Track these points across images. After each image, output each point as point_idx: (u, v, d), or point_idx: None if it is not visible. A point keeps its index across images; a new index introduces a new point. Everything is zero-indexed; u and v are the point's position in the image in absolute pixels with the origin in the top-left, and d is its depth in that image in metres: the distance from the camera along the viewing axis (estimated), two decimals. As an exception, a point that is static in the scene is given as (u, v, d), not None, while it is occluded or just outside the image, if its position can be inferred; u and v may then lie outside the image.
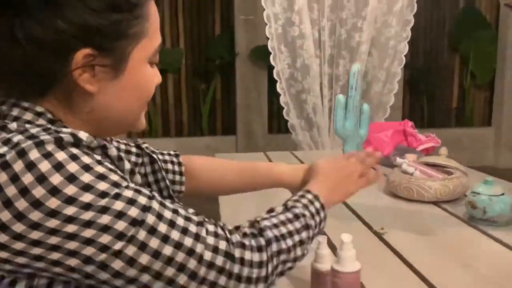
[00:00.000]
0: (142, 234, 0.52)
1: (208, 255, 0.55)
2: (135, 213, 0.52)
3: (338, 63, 2.19)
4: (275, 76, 2.17)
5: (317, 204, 0.68)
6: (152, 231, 0.53)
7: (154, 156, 0.84)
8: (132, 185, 0.54)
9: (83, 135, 0.53)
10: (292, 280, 0.80)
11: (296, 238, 0.63)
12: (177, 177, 0.88)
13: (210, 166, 0.93)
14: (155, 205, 0.54)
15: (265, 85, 3.66)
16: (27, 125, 0.54)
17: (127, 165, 0.59)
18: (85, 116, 0.59)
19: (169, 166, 0.87)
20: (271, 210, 0.66)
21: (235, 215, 1.08)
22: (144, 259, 0.52)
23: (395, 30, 2.16)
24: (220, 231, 0.58)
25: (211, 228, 0.58)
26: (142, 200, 0.53)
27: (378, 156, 0.86)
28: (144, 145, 0.85)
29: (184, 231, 0.55)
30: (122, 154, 0.79)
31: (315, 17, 2.14)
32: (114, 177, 0.53)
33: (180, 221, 0.55)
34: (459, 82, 4.21)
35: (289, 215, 0.64)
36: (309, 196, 0.69)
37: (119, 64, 0.58)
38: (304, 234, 0.64)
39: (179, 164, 0.89)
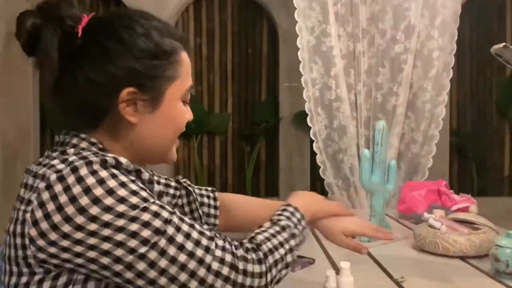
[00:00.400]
0: (162, 242, 0.62)
1: (215, 265, 0.65)
2: (159, 224, 0.63)
3: (374, 125, 2.25)
4: (311, 136, 2.26)
5: (298, 215, 0.79)
6: (171, 240, 0.63)
7: (190, 188, 0.98)
8: (158, 202, 0.66)
9: (123, 159, 0.67)
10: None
11: (287, 246, 0.72)
12: (212, 211, 0.99)
13: (242, 202, 1.04)
14: (175, 219, 0.65)
15: (308, 149, 3.74)
16: (81, 151, 0.69)
17: (157, 188, 0.72)
18: (126, 144, 0.73)
19: (205, 200, 0.99)
20: (260, 226, 0.76)
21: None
22: (162, 263, 0.62)
23: (431, 95, 2.22)
24: (227, 245, 0.68)
25: (220, 242, 0.67)
26: (165, 214, 0.64)
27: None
28: (182, 180, 0.98)
29: (197, 243, 0.65)
30: (155, 178, 0.92)
31: (352, 81, 2.24)
32: (144, 194, 0.65)
33: (194, 234, 0.65)
34: (510, 149, 4.09)
35: (277, 228, 0.74)
36: (290, 209, 0.80)
37: (156, 100, 0.72)
38: (292, 242, 0.73)
39: (215, 199, 1.01)
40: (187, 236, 0.64)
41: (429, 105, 2.23)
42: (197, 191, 0.99)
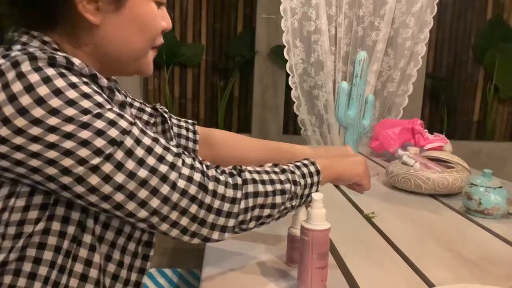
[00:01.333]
0: (119, 155, 0.55)
1: (181, 183, 0.58)
2: (115, 134, 0.55)
3: (352, 61, 2.18)
4: (287, 69, 2.17)
5: (312, 168, 0.69)
6: (129, 153, 0.56)
7: (166, 115, 0.88)
8: (116, 109, 0.57)
9: (76, 60, 0.57)
10: (269, 247, 0.79)
11: (278, 186, 0.64)
12: (190, 144, 0.90)
13: (232, 139, 0.95)
14: (135, 130, 0.57)
15: (283, 85, 3.66)
16: (28, 48, 0.58)
17: (118, 97, 0.62)
18: (88, 50, 0.63)
19: (183, 131, 0.90)
20: (260, 165, 0.67)
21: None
22: (119, 178, 0.55)
23: (413, 31, 2.14)
24: (197, 164, 0.61)
25: (188, 160, 0.60)
26: (123, 124, 0.56)
27: None
28: (159, 107, 0.88)
29: (160, 158, 0.58)
30: (128, 100, 0.83)
31: (333, 13, 2.13)
32: (98, 99, 0.56)
33: (158, 149, 0.58)
34: (482, 95, 4.13)
35: (276, 169, 0.66)
36: (305, 161, 0.70)
37: None
38: (287, 186, 0.65)
39: (194, 132, 0.91)
40: (149, 150, 0.57)
41: (410, 42, 2.16)
42: (174, 121, 0.90)
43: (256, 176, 0.63)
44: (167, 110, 0.89)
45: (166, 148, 0.59)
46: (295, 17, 2.12)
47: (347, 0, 2.11)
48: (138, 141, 0.57)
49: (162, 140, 0.60)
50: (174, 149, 0.60)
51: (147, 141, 0.58)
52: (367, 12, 2.12)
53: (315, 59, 2.16)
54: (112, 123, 0.56)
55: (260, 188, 0.62)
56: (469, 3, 3.83)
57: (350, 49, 2.19)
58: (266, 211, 0.63)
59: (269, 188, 0.63)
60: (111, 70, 0.67)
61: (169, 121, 0.87)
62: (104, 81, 0.61)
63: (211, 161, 0.91)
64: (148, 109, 0.86)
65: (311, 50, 2.16)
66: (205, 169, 0.61)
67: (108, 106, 0.57)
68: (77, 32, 0.62)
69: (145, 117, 0.85)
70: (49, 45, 0.61)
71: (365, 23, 2.15)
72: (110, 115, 0.56)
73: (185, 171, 0.59)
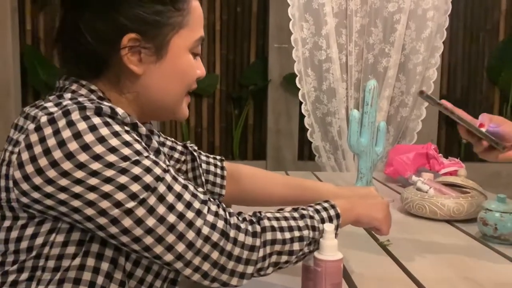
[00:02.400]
0: (152, 200, 0.59)
1: (205, 230, 0.61)
2: (149, 180, 0.59)
3: (365, 86, 2.20)
4: (300, 97, 2.21)
5: (332, 212, 0.71)
6: (161, 198, 0.59)
7: (195, 154, 0.92)
8: (152, 157, 0.62)
9: (120, 110, 0.63)
10: (284, 276, 0.80)
11: (296, 233, 0.66)
12: (218, 180, 0.94)
13: (257, 175, 0.98)
14: (168, 177, 0.61)
15: (297, 112, 3.69)
16: (78, 97, 0.65)
17: (154, 144, 0.67)
18: (131, 97, 0.69)
19: (211, 168, 0.94)
20: (280, 209, 0.70)
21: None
22: (150, 222, 0.59)
23: (423, 57, 2.16)
24: (221, 211, 0.64)
25: (213, 207, 0.63)
26: (158, 170, 0.60)
27: None
28: (189, 145, 0.93)
29: (188, 205, 0.61)
30: (161, 140, 0.88)
31: (343, 42, 2.17)
32: (137, 147, 0.61)
33: (186, 196, 0.62)
34: (499, 115, 4.08)
35: (295, 214, 0.68)
36: (325, 204, 0.72)
37: (160, 48, 0.68)
38: (305, 232, 0.67)
39: (222, 168, 0.95)
40: (179, 196, 0.61)
41: (421, 68, 2.18)
42: (203, 157, 0.94)
43: (275, 223, 0.65)
44: (196, 148, 0.94)
45: (194, 195, 0.63)
46: (306, 46, 2.17)
47: (357, 28, 2.16)
48: (170, 188, 0.61)
49: (191, 187, 0.64)
50: (201, 196, 0.64)
51: (177, 187, 0.61)
52: (377, 39, 2.16)
53: (327, 86, 2.19)
54: (148, 170, 0.60)
55: (278, 235, 0.64)
56: (481, 25, 3.84)
57: (362, 76, 2.21)
58: (284, 258, 0.65)
59: (287, 235, 0.65)
60: (150, 115, 0.73)
61: (198, 159, 0.91)
62: (143, 130, 0.66)
63: (237, 195, 0.95)
64: (179, 147, 0.91)
65: (323, 78, 2.19)
66: (227, 216, 0.64)
67: (146, 154, 0.61)
68: (121, 81, 0.68)
69: (176, 155, 0.90)
70: (95, 93, 0.67)
71: (375, 50, 2.19)
72: (147, 162, 0.60)
73: (210, 218, 0.62)
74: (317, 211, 0.69)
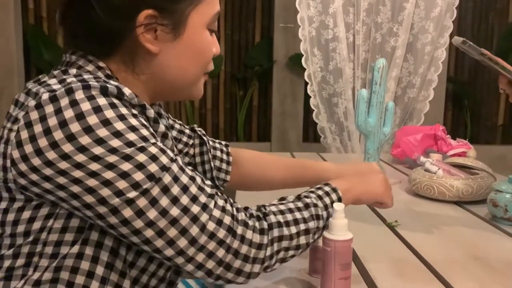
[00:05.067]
0: (155, 190, 0.55)
1: (211, 226, 0.58)
2: (154, 169, 0.55)
3: (372, 67, 2.16)
4: (306, 78, 2.17)
5: (334, 196, 0.68)
6: (165, 190, 0.56)
7: (204, 138, 0.90)
8: (159, 144, 0.58)
9: (127, 90, 0.59)
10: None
11: (302, 226, 0.63)
12: (224, 165, 0.91)
13: (258, 158, 0.96)
14: (174, 167, 0.57)
15: (302, 93, 3.66)
16: (84, 73, 0.60)
17: (162, 128, 0.63)
18: (144, 77, 0.65)
19: (218, 153, 0.92)
20: (282, 198, 0.67)
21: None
22: (152, 214, 0.55)
23: (432, 36, 2.11)
24: (228, 207, 0.61)
25: (220, 202, 0.60)
26: (164, 159, 0.57)
27: None
28: (198, 129, 0.92)
29: (194, 198, 0.58)
30: (170, 122, 0.86)
31: (350, 21, 2.12)
32: (144, 132, 0.57)
33: (193, 189, 0.58)
34: (506, 98, 4.03)
35: (299, 204, 0.65)
36: (326, 188, 0.70)
37: (178, 25, 0.63)
38: (311, 224, 0.64)
39: (228, 154, 0.93)
40: (184, 189, 0.57)
41: (430, 48, 2.13)
42: (211, 143, 0.92)
43: (281, 218, 0.62)
44: (205, 133, 0.91)
45: (201, 188, 0.59)
46: (312, 25, 2.13)
47: (364, 7, 2.11)
48: (175, 179, 0.57)
49: (199, 179, 0.60)
50: (208, 190, 0.60)
51: (184, 179, 0.58)
52: (385, 18, 2.11)
53: (334, 66, 2.15)
54: (154, 158, 0.56)
55: (285, 231, 0.62)
56: (490, 6, 3.76)
57: (369, 56, 2.17)
58: (290, 252, 0.63)
59: (294, 229, 0.63)
60: (164, 96, 0.69)
61: (207, 144, 0.89)
62: (151, 112, 0.62)
63: (238, 180, 0.92)
64: (187, 131, 0.89)
65: (329, 58, 2.15)
66: (235, 212, 0.61)
67: (153, 140, 0.57)
68: (135, 60, 0.63)
69: (184, 138, 0.88)
70: (103, 71, 0.62)
71: (383, 30, 2.14)
72: (153, 150, 0.56)
73: (216, 213, 0.59)
74: (320, 198, 0.67)
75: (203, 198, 0.58)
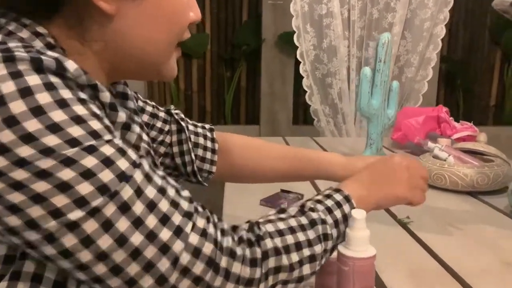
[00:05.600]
0: (109, 209, 0.40)
1: (185, 258, 0.43)
2: (108, 178, 0.40)
3: (367, 45, 2.04)
4: (298, 57, 2.04)
5: (347, 208, 0.54)
6: (124, 208, 0.40)
7: (183, 124, 0.73)
8: (117, 142, 0.42)
9: (71, 65, 0.42)
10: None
11: (306, 251, 0.49)
12: (208, 155, 0.75)
13: (249, 145, 0.80)
14: (138, 175, 0.42)
15: (292, 73, 3.53)
16: (9, 41, 0.43)
17: (121, 117, 0.47)
18: (97, 47, 0.48)
19: (201, 140, 0.75)
20: (281, 211, 0.52)
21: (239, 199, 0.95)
22: (104, 242, 0.40)
23: (432, 12, 1.99)
24: (211, 229, 0.45)
25: (200, 223, 0.45)
26: (123, 164, 0.41)
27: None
28: (174, 111, 0.73)
29: (164, 219, 0.42)
30: (139, 104, 0.68)
31: (345, -5, 1.99)
32: (95, 125, 0.41)
33: (163, 205, 0.42)
34: (499, 78, 3.96)
35: (303, 220, 0.50)
36: (338, 196, 0.54)
37: None
38: (318, 248, 0.50)
39: (212, 140, 0.76)
40: (151, 205, 0.42)
41: (429, 24, 2.01)
42: (191, 127, 0.75)
43: (279, 242, 0.48)
44: (183, 116, 0.75)
45: (174, 204, 0.44)
46: (305, 0, 1.98)
47: (360, -20, 1.97)
48: (139, 192, 0.42)
49: (171, 191, 0.45)
50: (185, 205, 0.45)
51: (150, 192, 0.42)
52: (383, -8, 1.98)
53: (328, 44, 2.02)
54: (108, 162, 0.40)
55: (284, 260, 0.47)
56: (485, -19, 3.65)
57: (365, 33, 2.04)
58: (291, 286, 0.49)
59: (295, 257, 0.48)
60: (126, 74, 0.53)
61: (186, 131, 0.73)
62: (106, 95, 0.45)
63: (226, 171, 0.76)
64: (162, 115, 0.72)
65: (323, 35, 2.02)
66: (219, 237, 0.45)
67: (107, 137, 0.42)
68: (84, 24, 0.47)
69: (159, 124, 0.72)
70: (42, 39, 0.46)
71: (380, 5, 2.01)
72: (107, 150, 0.41)
73: (194, 239, 0.43)
74: (329, 211, 0.52)
75: (177, 219, 0.43)
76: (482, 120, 4.04)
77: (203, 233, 0.44)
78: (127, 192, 0.41)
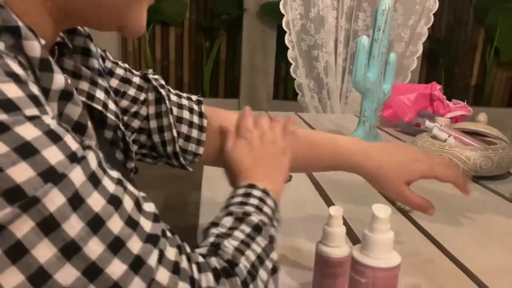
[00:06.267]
0: (23, 228, 0.26)
1: None
2: (23, 178, 0.26)
3: (357, 17, 1.92)
4: (284, 26, 1.91)
5: (270, 202, 0.46)
6: (49, 227, 0.27)
7: (163, 92, 0.57)
8: (49, 121, 0.29)
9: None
10: (290, 270, 0.57)
11: (268, 264, 0.39)
12: (194, 133, 0.59)
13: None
14: (77, 175, 0.28)
15: (274, 46, 3.40)
16: None
17: (59, 81, 0.33)
18: None
19: (185, 114, 0.59)
20: (215, 224, 0.41)
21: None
22: (11, 279, 0.26)
23: (425, -17, 1.88)
24: (184, 263, 0.33)
25: (170, 253, 0.32)
26: (53, 156, 0.28)
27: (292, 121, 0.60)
28: (152, 77, 0.57)
29: (116, 245, 0.29)
30: (108, 65, 0.53)
31: (335, -38, 1.86)
32: (12, 91, 0.28)
33: (114, 224, 0.29)
34: (481, 58, 3.93)
35: (247, 229, 0.41)
36: (256, 192, 0.46)
37: None
38: (274, 255, 0.41)
39: (200, 115, 0.60)
40: (95, 224, 0.28)
41: (422, -4, 1.91)
42: (173, 98, 0.59)
43: (247, 263, 0.37)
44: (163, 83, 0.59)
45: (132, 222, 0.31)
46: (292, -35, 1.85)
47: None
48: (76, 201, 0.28)
49: (128, 201, 0.31)
50: (148, 224, 0.32)
51: (96, 202, 0.29)
52: (375, -40, 1.86)
53: (315, 14, 1.90)
54: (26, 151, 0.27)
55: (259, 283, 0.37)
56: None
57: (355, 4, 1.93)
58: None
59: (263, 274, 0.38)
60: (76, 17, 0.39)
61: (167, 101, 0.57)
62: (34, 46, 0.32)
63: (215, 155, 0.60)
64: (137, 80, 0.57)
65: (311, 4, 1.89)
66: (195, 274, 0.33)
67: (31, 111, 0.28)
68: None
69: (132, 91, 0.56)
70: None
71: (371, -26, 1.89)
72: (28, 132, 0.27)
73: (162, 277, 0.31)
74: (259, 210, 0.44)
75: (135, 245, 0.30)
76: (462, 100, 4.03)
77: (175, 268, 0.32)
78: (55, 200, 0.27)
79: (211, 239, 0.39)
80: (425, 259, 0.64)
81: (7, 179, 0.26)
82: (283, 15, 1.89)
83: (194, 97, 0.62)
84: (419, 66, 3.37)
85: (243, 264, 0.37)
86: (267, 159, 0.53)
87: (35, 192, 0.27)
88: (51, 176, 0.27)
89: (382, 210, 0.40)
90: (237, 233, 0.40)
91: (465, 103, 1.51)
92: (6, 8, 0.30)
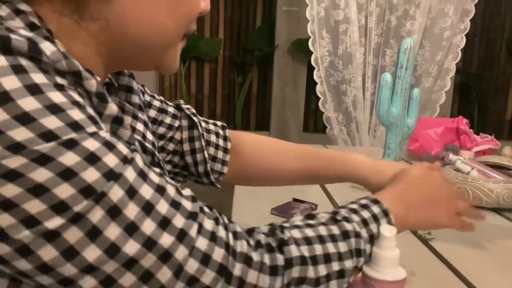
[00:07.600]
0: (96, 214, 0.34)
1: (192, 267, 0.37)
2: (92, 178, 0.34)
3: (384, 53, 1.98)
4: (313, 62, 1.99)
5: (384, 222, 0.48)
6: (113, 212, 0.34)
7: (195, 119, 0.66)
8: (104, 134, 0.36)
9: (47, 47, 0.35)
10: None
11: (335, 266, 0.43)
12: (220, 154, 0.69)
13: (263, 144, 0.73)
14: (129, 173, 0.36)
15: (304, 81, 3.49)
16: None
17: (112, 110, 0.40)
18: (97, 27, 0.42)
19: (213, 138, 0.68)
20: (310, 216, 0.46)
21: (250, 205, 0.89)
22: (90, 254, 0.34)
23: (452, 21, 1.93)
24: (221, 232, 0.39)
25: (208, 224, 0.39)
26: (111, 160, 0.35)
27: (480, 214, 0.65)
28: (185, 106, 0.67)
29: (164, 222, 0.36)
30: (146, 98, 0.61)
31: (363, 1, 1.94)
32: (76, 115, 0.35)
33: (161, 206, 0.37)
34: (516, 92, 3.88)
35: (334, 230, 0.45)
36: (375, 208, 0.49)
37: None
38: (348, 263, 0.44)
39: (225, 138, 0.70)
40: (148, 207, 0.36)
41: (448, 33, 1.95)
42: (203, 125, 0.69)
43: (305, 250, 0.42)
44: (194, 111, 0.69)
45: (175, 204, 0.38)
46: (321, 5, 1.94)
47: (379, -14, 1.92)
48: (131, 192, 0.35)
49: (171, 189, 0.39)
50: (188, 204, 0.39)
51: (146, 191, 0.36)
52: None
53: (343, 51, 1.97)
54: (92, 159, 0.34)
55: (310, 272, 0.41)
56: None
57: (382, 41, 1.99)
58: None
59: (322, 270, 0.42)
60: (122, 61, 0.47)
61: (199, 127, 0.66)
62: (92, 83, 0.38)
63: (238, 172, 0.70)
64: (171, 109, 0.66)
65: (339, 41, 1.97)
66: (231, 240, 0.39)
67: (91, 128, 0.35)
68: (79, 4, 0.41)
69: (168, 119, 0.66)
70: (23, 17, 0.39)
71: (398, 12, 1.96)
72: (91, 144, 0.34)
73: (201, 244, 0.38)
74: (365, 223, 0.47)
75: (179, 221, 0.37)
76: (497, 135, 3.96)
77: (212, 237, 0.38)
78: (116, 193, 0.34)
79: (284, 223, 0.45)
80: (435, 277, 0.66)
81: (82, 180, 0.34)
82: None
83: (219, 123, 0.71)
84: (450, 100, 3.38)
85: (299, 250, 0.41)
86: (420, 199, 0.55)
87: (102, 188, 0.34)
88: (112, 175, 0.35)
89: (388, 230, 0.45)
90: (320, 228, 0.44)
91: (493, 136, 1.52)
92: (70, 57, 0.37)
